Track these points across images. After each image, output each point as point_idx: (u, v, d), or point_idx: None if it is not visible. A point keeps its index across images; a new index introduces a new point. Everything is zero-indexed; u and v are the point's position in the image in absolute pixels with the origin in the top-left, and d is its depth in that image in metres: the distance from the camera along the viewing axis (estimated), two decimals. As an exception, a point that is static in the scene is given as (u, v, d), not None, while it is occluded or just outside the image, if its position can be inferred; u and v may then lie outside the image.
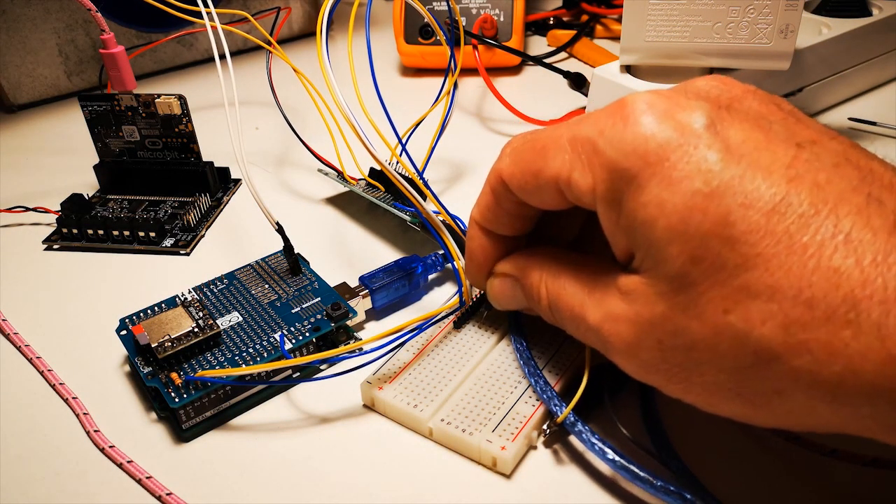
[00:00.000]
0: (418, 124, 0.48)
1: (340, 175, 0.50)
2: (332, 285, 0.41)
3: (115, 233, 0.49)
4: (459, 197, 0.52)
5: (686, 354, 0.25)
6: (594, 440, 0.30)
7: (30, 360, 0.40)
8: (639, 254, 0.26)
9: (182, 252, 0.48)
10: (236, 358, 0.36)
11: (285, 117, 0.51)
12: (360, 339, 0.39)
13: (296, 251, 0.42)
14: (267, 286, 0.41)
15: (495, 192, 0.32)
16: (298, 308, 0.39)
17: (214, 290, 0.41)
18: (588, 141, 0.27)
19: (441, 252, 0.43)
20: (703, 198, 0.24)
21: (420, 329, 0.36)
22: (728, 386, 0.24)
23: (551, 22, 0.81)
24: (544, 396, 0.32)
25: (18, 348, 0.41)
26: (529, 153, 0.29)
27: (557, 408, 0.31)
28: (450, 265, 0.43)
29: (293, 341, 0.37)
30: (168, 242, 0.49)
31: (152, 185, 0.54)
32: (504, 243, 0.34)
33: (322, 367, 0.38)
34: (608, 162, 0.26)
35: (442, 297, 0.43)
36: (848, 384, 0.22)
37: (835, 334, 0.22)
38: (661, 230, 0.24)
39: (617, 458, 0.29)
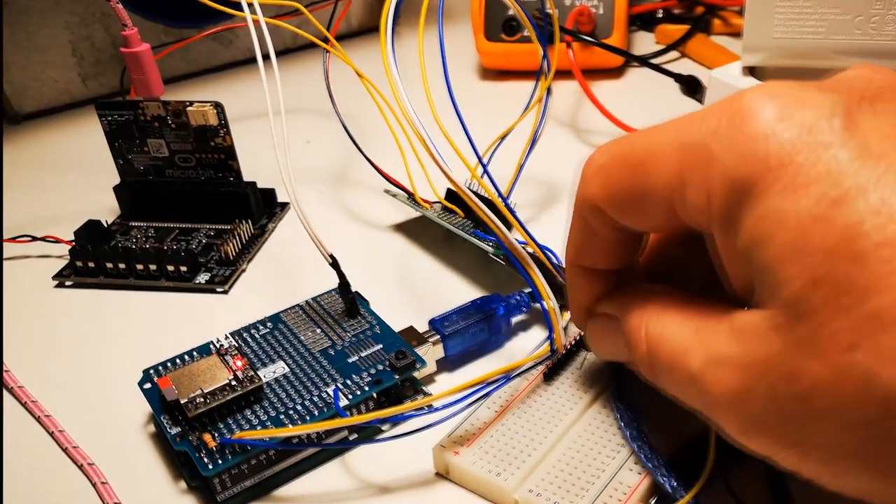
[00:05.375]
0: (503, 138, 0.49)
1: (411, 197, 0.51)
2: (396, 330, 0.42)
3: (139, 267, 0.50)
4: (550, 224, 0.52)
5: (802, 405, 0.25)
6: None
7: (38, 419, 0.41)
8: (756, 282, 0.26)
9: (219, 290, 0.50)
10: (281, 416, 0.37)
11: (345, 128, 0.52)
12: (431, 394, 0.40)
13: (354, 289, 0.43)
14: (319, 331, 0.42)
15: (587, 222, 0.32)
16: (356, 357, 0.40)
17: (256, 335, 0.42)
18: (700, 147, 0.27)
19: (528, 290, 0.44)
20: (830, 205, 0.24)
21: (502, 382, 0.37)
22: (852, 448, 0.24)
23: (660, 15, 0.82)
24: (650, 466, 0.33)
25: (24, 405, 0.42)
26: (624, 170, 0.30)
27: (666, 480, 0.32)
28: (538, 305, 0.44)
29: (350, 397, 0.38)
30: (202, 279, 0.50)
31: (183, 209, 0.55)
32: (608, 280, 0.35)
33: (384, 428, 0.39)
34: (725, 170, 0.26)
35: (529, 343, 0.43)
36: None
37: None
38: (779, 247, 0.25)
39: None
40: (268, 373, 0.40)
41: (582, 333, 0.38)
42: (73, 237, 0.53)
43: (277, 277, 0.51)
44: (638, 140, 0.29)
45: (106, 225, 0.55)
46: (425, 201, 0.51)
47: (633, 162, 0.29)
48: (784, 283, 0.24)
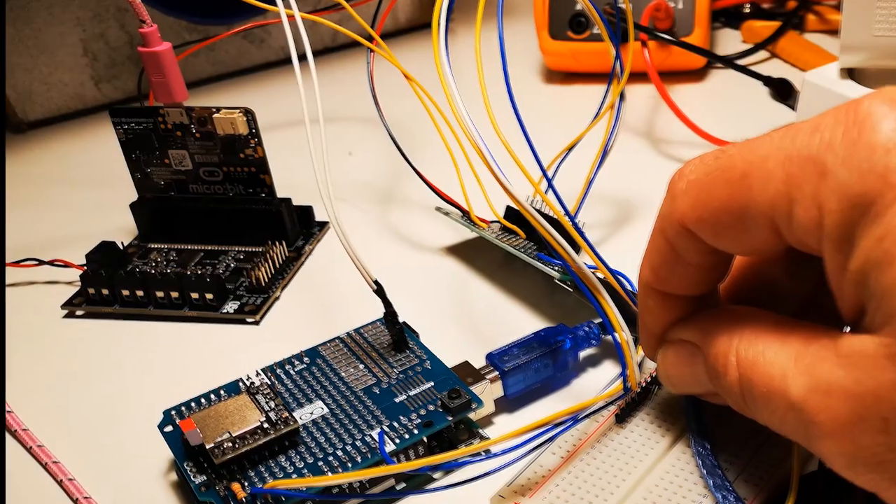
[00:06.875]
0: (571, 148, 0.49)
1: (466, 216, 0.52)
2: (449, 366, 0.42)
3: (160, 294, 0.51)
4: (623, 246, 0.53)
5: None
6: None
7: (44, 466, 0.42)
8: (870, 306, 0.27)
9: (249, 320, 0.51)
10: (320, 463, 0.38)
11: (392, 137, 0.53)
12: (488, 438, 0.40)
13: (401, 319, 0.44)
14: (362, 366, 0.43)
15: (671, 244, 0.33)
16: (404, 396, 0.41)
17: (291, 371, 0.43)
18: (812, 160, 0.27)
19: (598, 321, 0.44)
20: None
21: (569, 424, 0.37)
22: None
23: (747, 10, 0.83)
24: (736, 518, 0.33)
25: (29, 449, 0.43)
26: (722, 185, 0.30)
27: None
28: (610, 338, 0.43)
29: (397, 441, 0.38)
30: (230, 307, 0.51)
31: (209, 229, 0.57)
32: (686, 305, 0.35)
33: (436, 476, 0.40)
34: (840, 186, 0.26)
35: (599, 381, 0.44)
36: None
37: None
38: None
39: None
40: (304, 414, 0.40)
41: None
42: (84, 261, 0.54)
43: (315, 306, 0.52)
44: (738, 152, 0.30)
45: (122, 247, 0.56)
46: (482, 220, 0.51)
47: (734, 176, 0.30)
48: None
